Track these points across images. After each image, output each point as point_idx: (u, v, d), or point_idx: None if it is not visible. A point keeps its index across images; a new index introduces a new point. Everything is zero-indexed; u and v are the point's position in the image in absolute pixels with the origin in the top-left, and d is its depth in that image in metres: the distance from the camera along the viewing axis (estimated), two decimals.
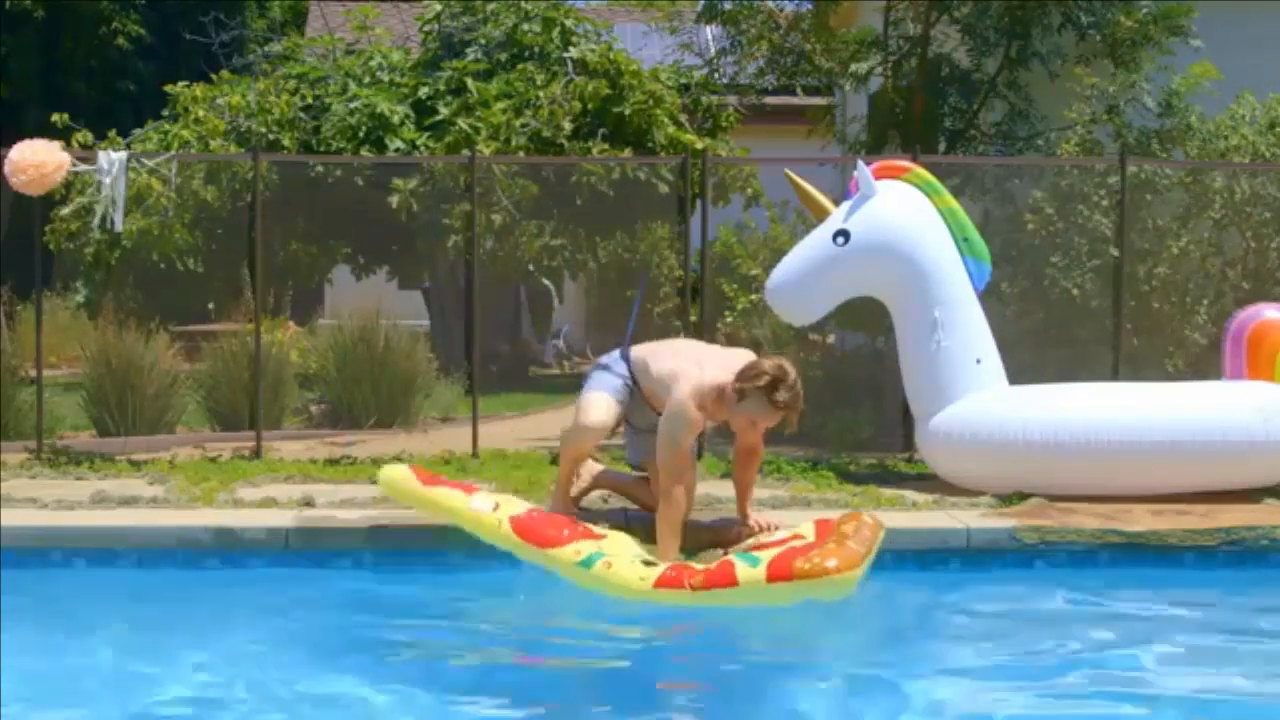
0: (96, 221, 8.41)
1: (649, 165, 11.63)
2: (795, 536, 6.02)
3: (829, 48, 10.70)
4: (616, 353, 6.73)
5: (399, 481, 6.33)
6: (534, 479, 7.68)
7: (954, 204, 7.68)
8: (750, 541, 6.20)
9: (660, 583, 5.74)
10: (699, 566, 5.81)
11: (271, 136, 11.88)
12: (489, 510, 6.12)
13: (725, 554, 5.96)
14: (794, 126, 12.71)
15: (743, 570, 5.64)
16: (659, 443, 6.17)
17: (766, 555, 5.73)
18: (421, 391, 10.42)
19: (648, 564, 5.90)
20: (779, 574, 5.56)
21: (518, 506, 6.20)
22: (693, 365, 6.24)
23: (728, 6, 11.07)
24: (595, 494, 7.24)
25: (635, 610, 5.78)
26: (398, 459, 8.36)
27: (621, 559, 5.91)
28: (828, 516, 6.31)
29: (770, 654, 5.70)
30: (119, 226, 8.44)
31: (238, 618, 6.03)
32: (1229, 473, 7.38)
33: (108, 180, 8.23)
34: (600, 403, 6.54)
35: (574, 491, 7.00)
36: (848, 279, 7.56)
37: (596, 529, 6.22)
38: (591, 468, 7.07)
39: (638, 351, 6.62)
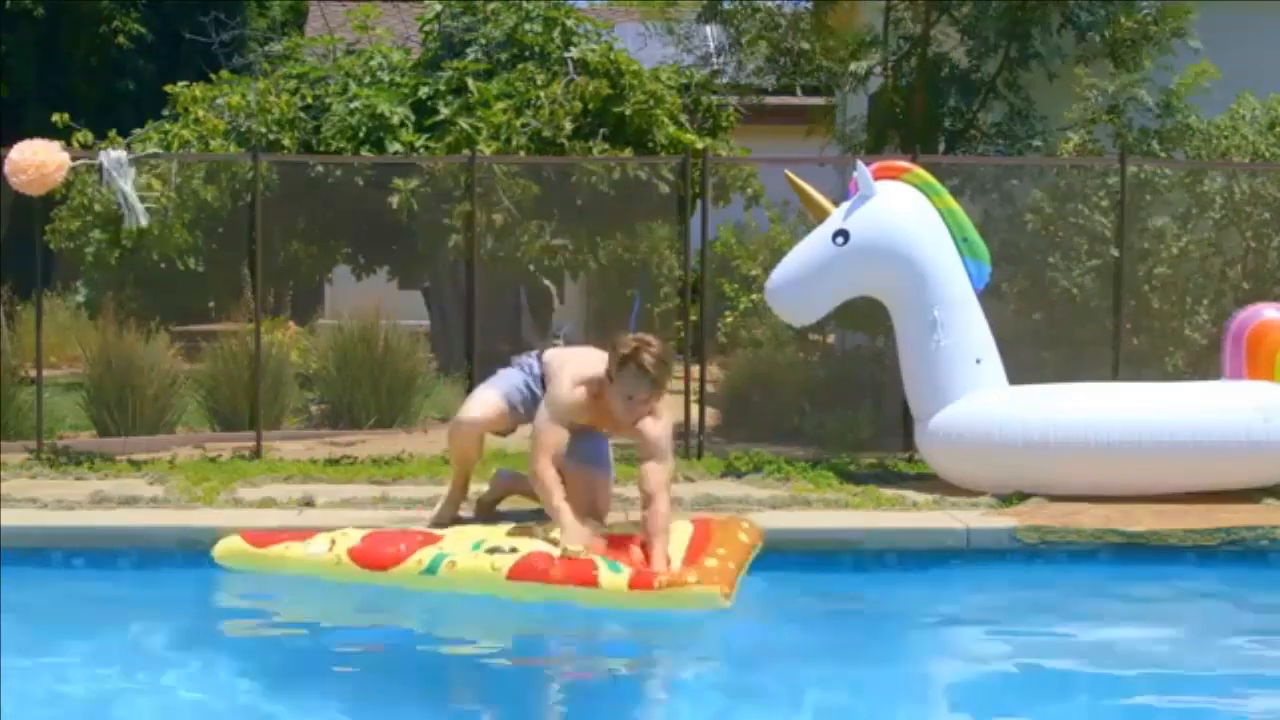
0: (127, 224, 8.39)
1: (649, 165, 11.61)
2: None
3: (828, 48, 10.71)
4: (534, 353, 6.70)
5: (235, 551, 6.16)
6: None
7: (953, 204, 7.69)
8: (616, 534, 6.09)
9: (514, 573, 5.69)
10: (556, 554, 5.75)
11: (271, 136, 11.86)
12: (325, 550, 6.00)
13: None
14: (794, 127, 12.72)
15: (605, 574, 5.60)
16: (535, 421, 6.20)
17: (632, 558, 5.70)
18: (421, 391, 10.41)
19: (494, 550, 5.83)
20: (641, 583, 5.55)
21: (353, 537, 6.07)
22: (582, 357, 6.36)
23: (727, 6, 11.07)
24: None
25: (502, 606, 5.73)
26: (398, 459, 8.37)
27: (463, 553, 5.85)
28: (707, 517, 6.28)
29: (767, 653, 5.70)
30: (143, 221, 8.40)
31: (236, 619, 6.04)
32: (1229, 473, 7.38)
33: (107, 188, 8.23)
34: (480, 398, 6.55)
35: (487, 499, 6.90)
36: (848, 279, 7.57)
37: (436, 531, 6.17)
38: (501, 476, 6.94)
39: (551, 354, 6.58)
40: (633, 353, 5.97)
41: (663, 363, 6.03)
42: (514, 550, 5.79)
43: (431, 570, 5.81)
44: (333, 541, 6.04)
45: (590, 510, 6.31)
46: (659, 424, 6.13)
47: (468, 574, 5.76)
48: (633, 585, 5.55)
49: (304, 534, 6.20)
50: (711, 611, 5.55)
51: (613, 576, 5.58)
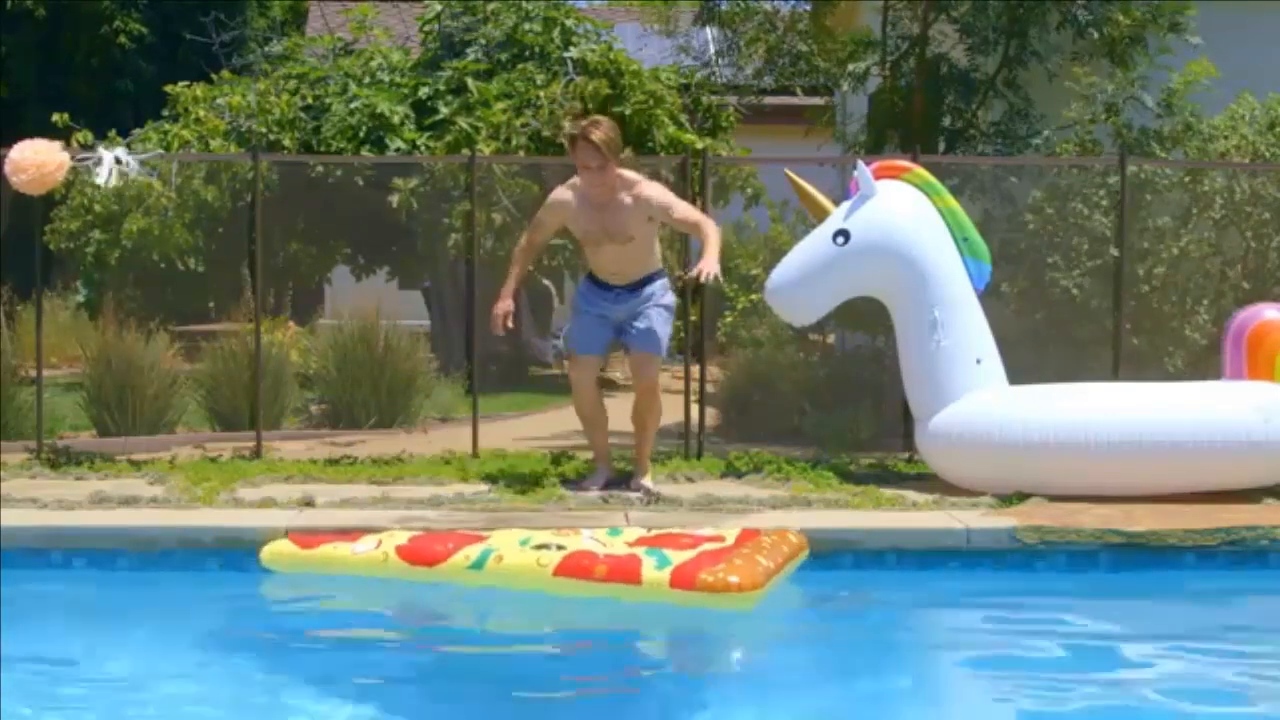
0: (103, 179, 8.32)
1: (649, 165, 11.61)
2: (715, 538, 6.00)
3: (826, 48, 10.70)
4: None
5: (282, 554, 6.20)
6: (534, 478, 7.68)
7: (954, 204, 7.69)
8: (666, 533, 6.13)
9: (561, 570, 5.73)
10: (602, 554, 5.77)
11: (272, 137, 11.87)
12: (372, 549, 6.04)
13: (632, 547, 5.87)
14: (793, 127, 12.71)
15: (648, 570, 5.62)
16: None
17: (677, 557, 5.71)
18: (421, 391, 10.42)
19: (542, 547, 5.86)
20: (681, 581, 5.56)
21: (400, 537, 6.13)
22: None
23: (724, 8, 11.07)
24: (594, 493, 7.28)
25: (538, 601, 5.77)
26: (398, 459, 8.37)
27: (511, 550, 5.89)
28: (756, 527, 6.28)
29: (766, 653, 5.70)
30: (100, 181, 8.31)
31: (236, 619, 6.04)
32: (1229, 473, 7.37)
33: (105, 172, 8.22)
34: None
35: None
36: (848, 279, 7.57)
37: (483, 532, 6.20)
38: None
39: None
40: (580, 131, 7.05)
41: (603, 132, 7.01)
42: (561, 548, 5.83)
43: (478, 565, 5.85)
44: (379, 541, 6.08)
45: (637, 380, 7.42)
46: (653, 188, 7.26)
47: (514, 570, 5.80)
48: (673, 583, 5.56)
49: (351, 535, 6.24)
50: (741, 612, 5.55)
51: (655, 574, 5.60)
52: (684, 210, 7.35)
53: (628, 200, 7.18)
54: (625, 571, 5.64)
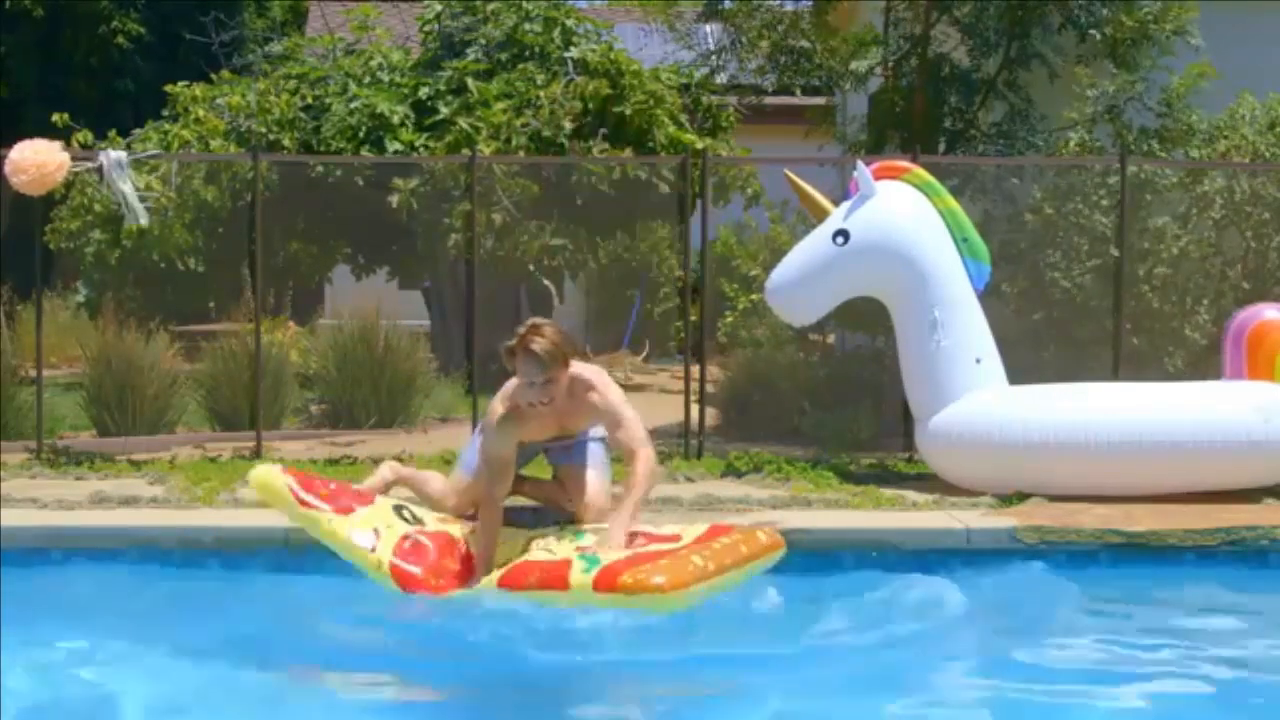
0: (128, 224, 8.45)
1: (649, 165, 11.62)
2: (670, 538, 5.93)
3: (829, 47, 10.71)
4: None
5: (273, 490, 5.86)
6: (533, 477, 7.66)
7: (953, 204, 7.70)
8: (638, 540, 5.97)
9: (503, 581, 5.70)
10: (540, 561, 5.71)
11: (271, 136, 11.87)
12: (368, 548, 5.86)
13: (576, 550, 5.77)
14: (794, 127, 12.73)
15: (576, 574, 5.57)
16: None
17: (607, 558, 5.68)
18: (421, 391, 10.42)
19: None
20: (604, 584, 5.51)
21: (395, 535, 5.94)
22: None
23: (728, 4, 11.07)
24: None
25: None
26: (398, 459, 8.35)
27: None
28: (731, 524, 6.20)
29: (766, 652, 5.70)
30: (143, 221, 8.41)
31: (236, 619, 6.03)
32: (1229, 473, 7.38)
33: (107, 189, 8.27)
34: (454, 480, 6.43)
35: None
36: (848, 279, 7.57)
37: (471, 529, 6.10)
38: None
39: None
40: (518, 341, 5.76)
41: (546, 340, 5.75)
42: (506, 563, 5.85)
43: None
44: (376, 541, 5.91)
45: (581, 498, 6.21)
46: (606, 395, 5.94)
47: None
48: (597, 585, 5.53)
49: (351, 495, 5.99)
50: (666, 613, 5.52)
51: (582, 577, 5.58)
52: (629, 433, 5.92)
53: (579, 403, 6.00)
54: (554, 578, 5.62)
